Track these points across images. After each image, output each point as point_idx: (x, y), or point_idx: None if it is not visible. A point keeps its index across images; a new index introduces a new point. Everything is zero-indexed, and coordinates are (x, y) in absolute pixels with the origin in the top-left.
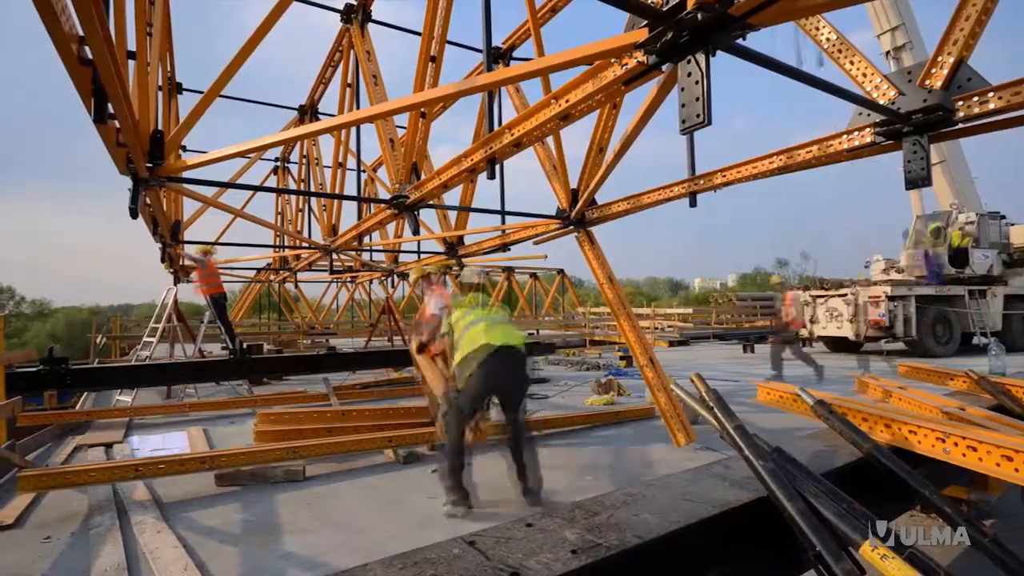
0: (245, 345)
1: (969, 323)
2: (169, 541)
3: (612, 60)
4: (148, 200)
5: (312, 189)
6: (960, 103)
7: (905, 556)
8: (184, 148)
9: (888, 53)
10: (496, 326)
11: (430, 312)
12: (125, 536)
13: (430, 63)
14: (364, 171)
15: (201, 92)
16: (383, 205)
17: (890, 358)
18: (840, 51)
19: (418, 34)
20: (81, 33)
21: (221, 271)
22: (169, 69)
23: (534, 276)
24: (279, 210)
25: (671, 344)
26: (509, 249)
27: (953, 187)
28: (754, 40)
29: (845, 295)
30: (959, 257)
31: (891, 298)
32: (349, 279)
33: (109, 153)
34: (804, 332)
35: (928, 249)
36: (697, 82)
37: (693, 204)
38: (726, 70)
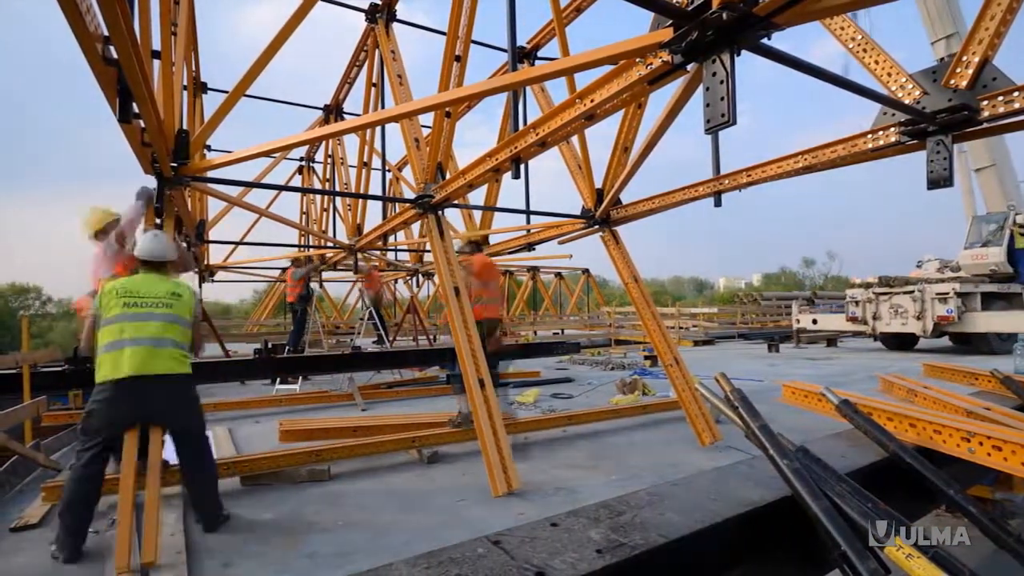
0: (270, 344)
1: None
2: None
3: (637, 60)
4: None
5: (337, 188)
6: (985, 102)
7: (930, 556)
8: (208, 147)
9: (942, 59)
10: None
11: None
12: None
13: (455, 63)
14: (389, 171)
15: (226, 92)
16: (408, 204)
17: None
18: (865, 50)
19: (443, 34)
20: (106, 33)
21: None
22: (194, 68)
23: (559, 276)
24: (304, 209)
25: (696, 343)
26: (534, 249)
27: (1003, 190)
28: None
29: (912, 292)
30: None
31: (959, 295)
32: None
33: (134, 152)
34: (865, 328)
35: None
36: (722, 82)
37: (718, 204)
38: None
